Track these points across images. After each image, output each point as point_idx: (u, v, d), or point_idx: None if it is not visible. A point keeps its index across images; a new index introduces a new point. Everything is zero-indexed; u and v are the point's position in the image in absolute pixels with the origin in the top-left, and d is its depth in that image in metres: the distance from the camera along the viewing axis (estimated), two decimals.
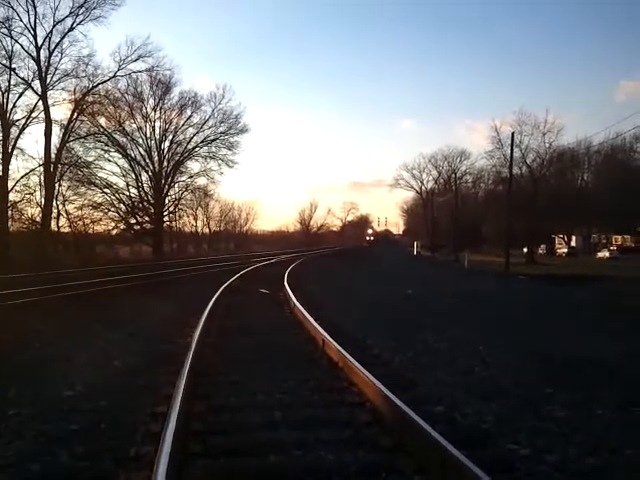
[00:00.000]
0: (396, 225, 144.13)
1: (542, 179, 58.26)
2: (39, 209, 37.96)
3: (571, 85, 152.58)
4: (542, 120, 56.26)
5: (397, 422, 4.96)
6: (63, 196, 40.72)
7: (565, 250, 71.66)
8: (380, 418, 5.32)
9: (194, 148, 54.85)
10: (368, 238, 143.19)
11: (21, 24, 36.74)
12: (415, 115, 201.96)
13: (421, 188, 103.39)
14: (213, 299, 14.49)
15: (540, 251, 70.05)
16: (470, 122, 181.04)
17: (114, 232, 48.07)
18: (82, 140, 42.73)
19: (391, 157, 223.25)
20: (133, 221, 50.23)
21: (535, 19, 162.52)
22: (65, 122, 39.87)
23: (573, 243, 76.53)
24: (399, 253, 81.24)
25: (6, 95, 36.20)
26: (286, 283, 19.45)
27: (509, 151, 45.11)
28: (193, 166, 56.77)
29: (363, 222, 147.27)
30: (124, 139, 49.12)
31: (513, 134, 45.79)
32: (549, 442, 4.83)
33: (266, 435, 4.93)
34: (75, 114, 40.22)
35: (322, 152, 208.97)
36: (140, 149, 51.29)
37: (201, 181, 57.74)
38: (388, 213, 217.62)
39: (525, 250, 57.14)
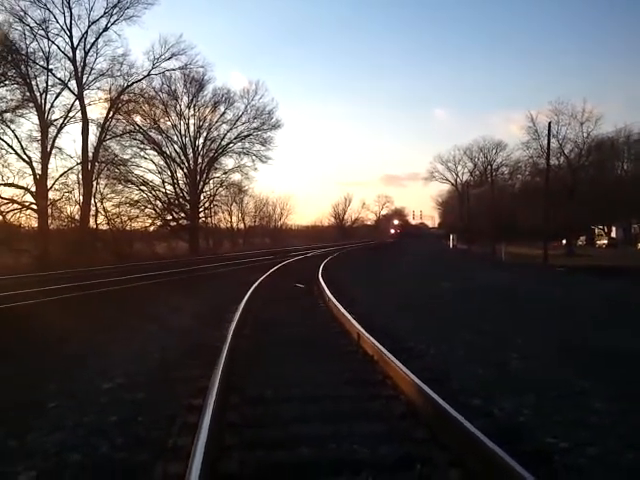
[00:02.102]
0: (431, 218, 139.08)
1: (580, 169, 56.78)
2: (78, 207, 38.80)
3: (609, 73, 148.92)
4: (579, 109, 54.57)
5: (432, 415, 4.94)
6: (101, 194, 41.44)
7: (605, 241, 70.09)
8: (414, 410, 5.31)
9: (228, 144, 55.34)
10: (393, 231, 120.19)
11: (57, 26, 37.76)
12: (448, 105, 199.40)
13: (456, 180, 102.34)
14: (249, 293, 14.60)
15: (579, 242, 68.66)
16: (506, 112, 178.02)
17: (151, 229, 48.73)
18: (118, 138, 43.41)
19: (425, 150, 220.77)
20: (169, 217, 50.77)
21: (571, 7, 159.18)
22: (101, 121, 40.72)
23: (613, 234, 74.82)
24: (434, 246, 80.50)
25: (44, 95, 37.15)
26: (320, 277, 19.45)
27: (546, 142, 44.27)
28: (227, 162, 57.36)
29: (397, 216, 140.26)
30: (159, 137, 49.83)
31: (550, 124, 44.85)
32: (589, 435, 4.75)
33: (299, 428, 4.95)
34: (111, 113, 41.00)
35: (355, 145, 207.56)
36: (175, 146, 51.97)
37: (235, 177, 58.45)
38: (423, 206, 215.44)
39: (564, 242, 56.03)
